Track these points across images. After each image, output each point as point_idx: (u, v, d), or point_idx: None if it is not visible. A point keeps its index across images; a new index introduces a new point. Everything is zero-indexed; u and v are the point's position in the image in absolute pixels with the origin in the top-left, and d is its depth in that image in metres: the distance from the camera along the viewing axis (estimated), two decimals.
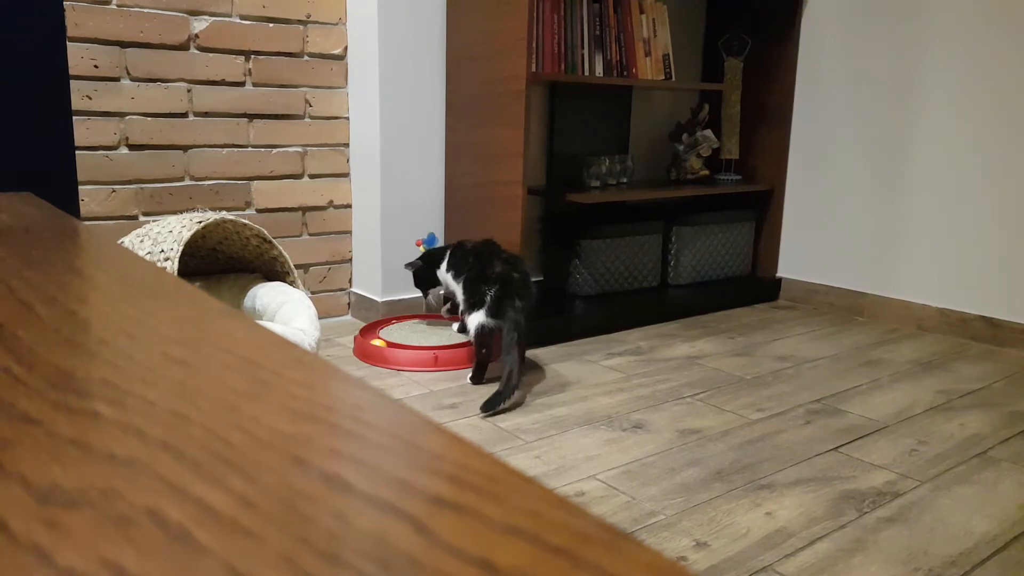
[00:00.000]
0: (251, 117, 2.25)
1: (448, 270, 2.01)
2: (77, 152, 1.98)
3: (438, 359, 2.06)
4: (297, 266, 2.41)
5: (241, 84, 2.22)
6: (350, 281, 2.55)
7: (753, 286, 2.87)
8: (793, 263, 2.88)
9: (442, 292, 2.11)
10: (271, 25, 2.24)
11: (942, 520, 1.33)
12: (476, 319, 1.88)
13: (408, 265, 2.15)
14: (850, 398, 1.91)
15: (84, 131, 2.00)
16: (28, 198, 0.75)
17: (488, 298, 1.83)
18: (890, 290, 2.61)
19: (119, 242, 1.85)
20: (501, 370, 1.79)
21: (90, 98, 2.00)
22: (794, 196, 2.85)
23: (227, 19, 2.16)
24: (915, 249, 2.54)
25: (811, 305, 2.82)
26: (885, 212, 2.59)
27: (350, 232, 2.52)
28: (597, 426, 1.69)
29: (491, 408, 1.73)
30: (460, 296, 1.97)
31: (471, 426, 1.68)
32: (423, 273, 2.10)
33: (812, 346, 2.34)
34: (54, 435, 0.21)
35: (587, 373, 2.04)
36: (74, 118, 1.96)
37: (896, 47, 2.52)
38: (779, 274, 2.92)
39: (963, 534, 1.29)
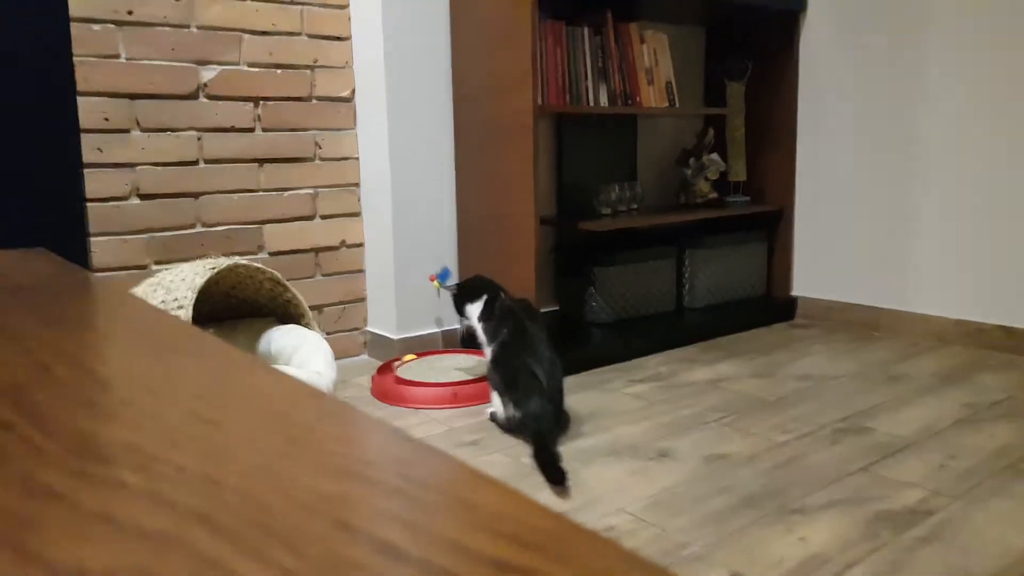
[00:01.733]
0: (261, 162, 2.27)
1: (480, 320, 1.91)
2: (88, 204, 2.00)
3: (456, 395, 2.04)
4: (311, 307, 2.40)
5: (251, 130, 2.23)
6: (365, 320, 2.54)
7: (769, 306, 2.84)
8: (808, 281, 2.85)
9: (465, 324, 2.02)
10: (279, 71, 2.26)
11: (979, 537, 1.30)
12: (499, 408, 1.82)
13: (448, 287, 2.05)
14: (875, 415, 1.88)
15: (95, 183, 2.01)
16: (41, 254, 0.74)
17: (511, 401, 1.76)
18: (906, 304, 2.58)
19: (131, 292, 1.85)
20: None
21: (101, 150, 2.01)
22: (804, 214, 2.83)
23: (235, 67, 2.19)
24: (928, 261, 2.51)
25: (828, 322, 2.79)
26: (896, 225, 2.58)
27: (363, 271, 2.51)
28: (622, 456, 1.67)
29: (559, 479, 1.55)
30: (485, 351, 1.90)
31: (492, 463, 1.66)
32: (457, 300, 1.99)
33: (833, 364, 2.31)
34: (78, 509, 0.20)
35: (608, 402, 2.02)
36: (85, 171, 1.98)
37: (896, 60, 2.51)
38: (794, 293, 2.89)
39: (1002, 550, 1.25)
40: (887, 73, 2.54)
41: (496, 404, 1.82)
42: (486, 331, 1.87)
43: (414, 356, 2.26)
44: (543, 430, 1.69)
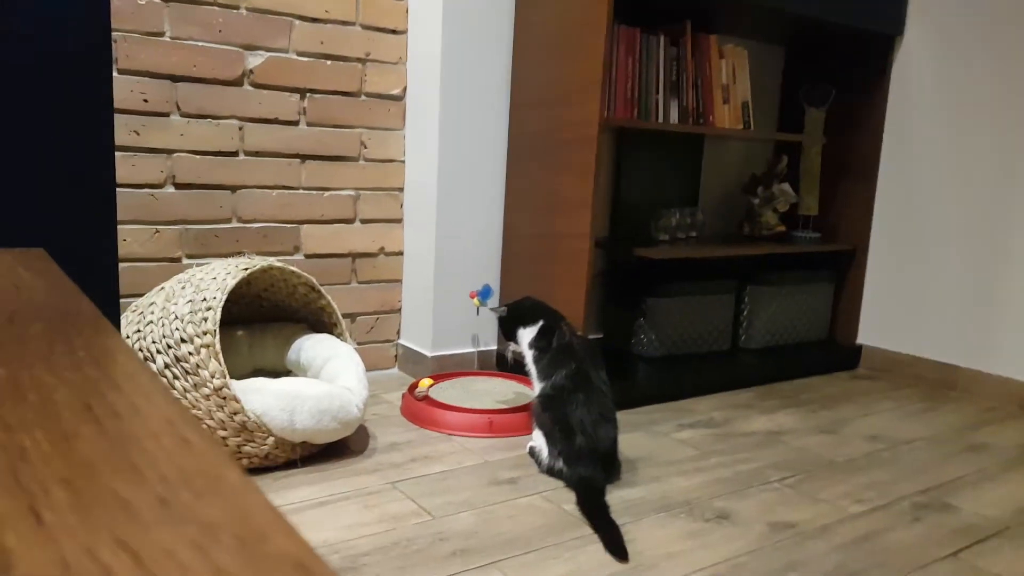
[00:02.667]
0: (304, 158, 2.13)
1: (532, 347, 1.73)
2: (120, 190, 1.87)
3: (493, 425, 1.88)
4: (344, 315, 2.26)
5: (295, 123, 2.10)
6: (398, 332, 2.39)
7: (831, 353, 2.64)
8: (875, 329, 2.65)
9: (513, 349, 1.83)
10: (329, 63, 2.13)
11: None
12: (543, 448, 1.65)
13: (495, 309, 1.89)
14: (959, 490, 1.69)
15: (129, 168, 1.89)
16: (37, 259, 0.60)
17: (559, 455, 1.59)
18: (986, 364, 2.37)
19: (159, 288, 1.72)
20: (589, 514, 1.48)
21: (138, 133, 1.89)
22: (878, 257, 2.63)
23: (284, 55, 2.06)
24: (1016, 319, 2.30)
25: (895, 376, 2.59)
26: (981, 276, 2.37)
27: (400, 281, 2.37)
28: (675, 514, 1.49)
29: (622, 552, 1.34)
30: (535, 383, 1.72)
31: (531, 507, 1.49)
32: (506, 323, 1.81)
33: (904, 425, 2.11)
34: None
35: (658, 447, 1.84)
36: (119, 154, 1.86)
37: (999, 97, 2.32)
38: (859, 341, 2.70)
39: None
40: (988, 110, 2.35)
41: (539, 442, 1.65)
42: (538, 362, 1.70)
43: (431, 380, 2.09)
44: (593, 491, 1.53)
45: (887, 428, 2.08)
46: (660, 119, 2.25)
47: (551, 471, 1.62)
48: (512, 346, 1.81)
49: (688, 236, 2.50)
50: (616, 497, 1.55)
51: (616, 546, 1.34)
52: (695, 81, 2.29)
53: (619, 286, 2.46)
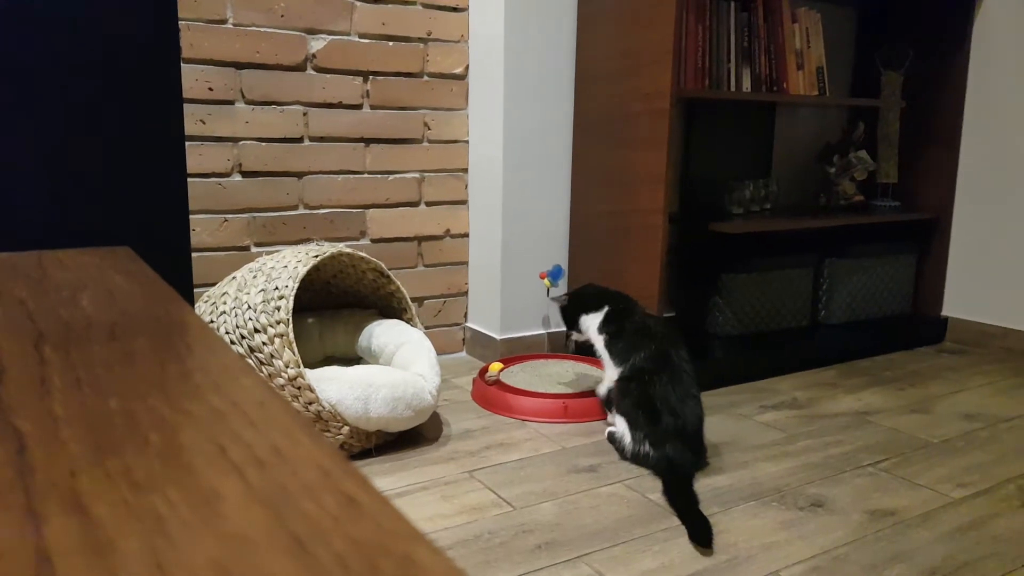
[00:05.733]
0: (368, 142, 2.10)
1: (600, 332, 1.67)
2: (189, 180, 1.87)
3: (568, 409, 1.83)
4: (412, 299, 2.23)
5: (358, 107, 2.07)
6: (465, 316, 2.36)
7: (915, 327, 2.52)
8: (961, 301, 2.52)
9: (576, 338, 1.79)
10: (391, 44, 2.09)
11: None
12: (624, 435, 1.60)
13: (555, 298, 1.85)
14: None
15: (197, 157, 1.88)
16: (125, 258, 0.56)
17: (645, 438, 1.55)
18: None
19: (231, 278, 1.71)
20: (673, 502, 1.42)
21: (204, 122, 1.88)
22: (962, 224, 2.50)
23: (346, 38, 2.02)
24: None
25: (984, 350, 2.46)
26: None
27: (467, 263, 2.33)
28: (767, 502, 1.43)
29: (707, 542, 1.29)
30: (607, 377, 1.67)
31: (615, 496, 1.45)
32: (568, 311, 1.77)
33: (1000, 402, 2.00)
34: None
35: (741, 431, 1.78)
36: (187, 144, 1.85)
37: None
38: (944, 313, 2.57)
39: None
40: None
41: (620, 428, 1.60)
42: (611, 346, 1.65)
43: (501, 364, 2.05)
44: (682, 477, 1.48)
45: (983, 405, 1.97)
46: (732, 88, 2.15)
47: (636, 457, 1.57)
48: (574, 335, 1.76)
49: (762, 209, 2.40)
50: (703, 485, 1.50)
51: (702, 536, 1.29)
52: (767, 47, 2.19)
53: (691, 263, 2.39)
